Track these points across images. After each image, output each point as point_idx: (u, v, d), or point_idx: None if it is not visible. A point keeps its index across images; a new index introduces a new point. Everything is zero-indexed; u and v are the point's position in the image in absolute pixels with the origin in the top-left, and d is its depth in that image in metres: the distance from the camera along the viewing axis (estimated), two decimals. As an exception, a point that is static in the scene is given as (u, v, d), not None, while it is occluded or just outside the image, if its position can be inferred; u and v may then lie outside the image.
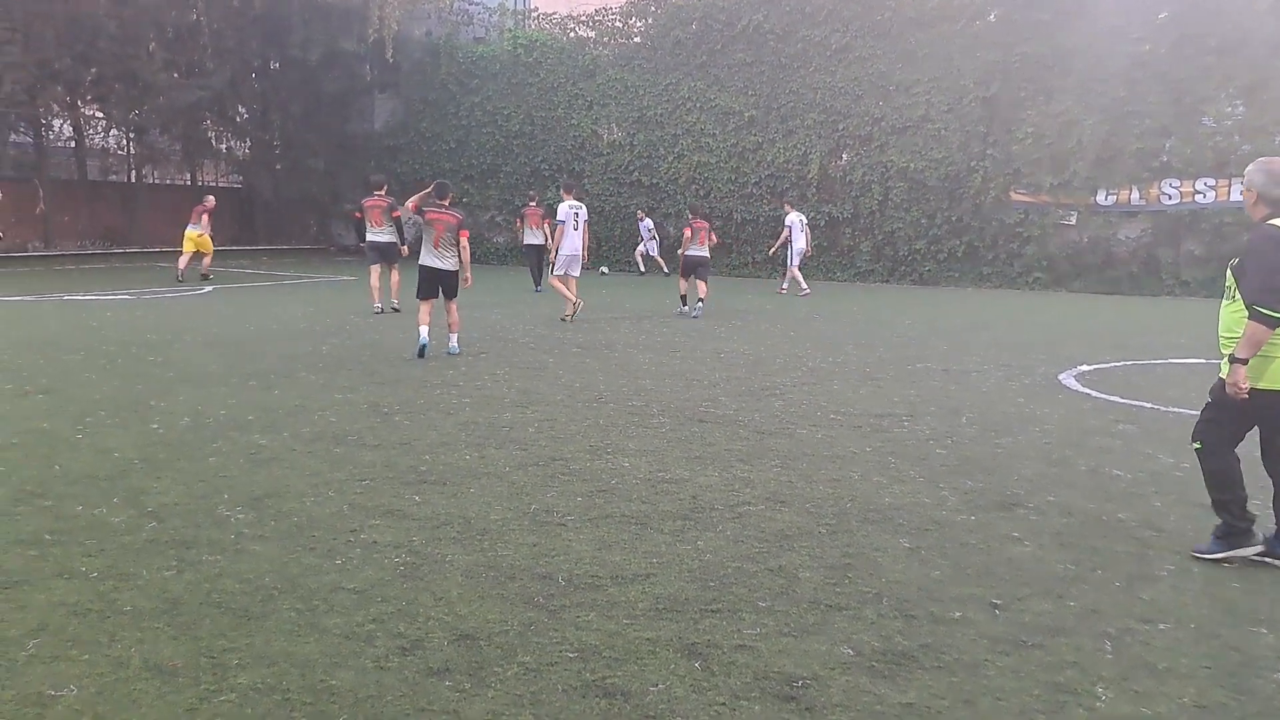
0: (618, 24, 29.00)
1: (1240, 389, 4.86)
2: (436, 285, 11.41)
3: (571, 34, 29.62)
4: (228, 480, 6.21)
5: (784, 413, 8.67)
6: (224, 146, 32.78)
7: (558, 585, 4.60)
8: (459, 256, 11.33)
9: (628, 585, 4.61)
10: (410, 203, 12.00)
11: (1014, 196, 24.03)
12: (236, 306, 16.45)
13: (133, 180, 30.55)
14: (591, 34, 29.35)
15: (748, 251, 27.04)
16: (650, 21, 28.51)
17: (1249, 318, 4.82)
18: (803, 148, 26.16)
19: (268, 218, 32.42)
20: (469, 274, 11.51)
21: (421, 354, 11.14)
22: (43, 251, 26.45)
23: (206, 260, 21.43)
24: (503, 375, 10.20)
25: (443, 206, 11.46)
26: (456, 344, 11.59)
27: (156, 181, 31.63)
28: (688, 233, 16.59)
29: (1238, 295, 4.98)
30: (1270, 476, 5.16)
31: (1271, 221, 4.93)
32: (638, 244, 27.33)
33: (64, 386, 9.14)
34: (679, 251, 17.32)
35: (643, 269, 27.15)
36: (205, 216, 20.88)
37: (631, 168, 28.44)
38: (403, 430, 7.68)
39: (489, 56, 30.26)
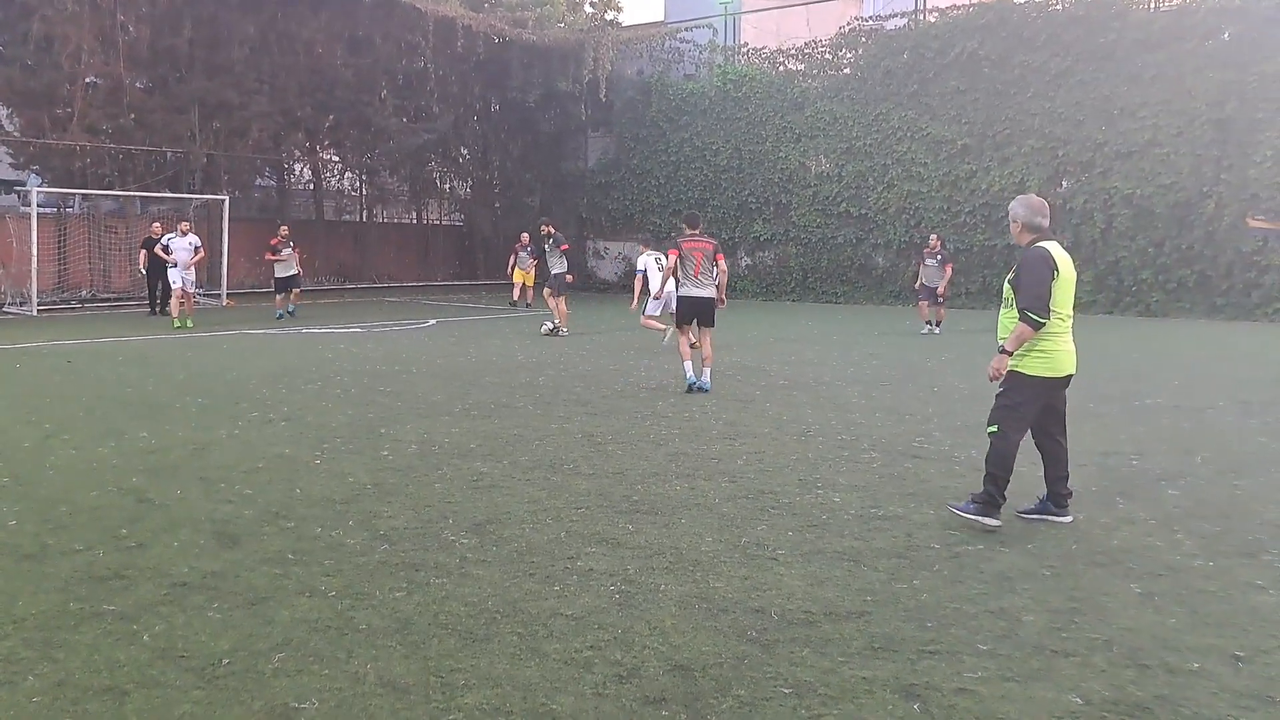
0: (827, 56, 28.88)
1: (999, 372, 6.07)
2: (694, 314, 11.43)
3: (781, 68, 29.72)
4: (452, 505, 6.51)
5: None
6: (447, 186, 34.63)
7: (771, 620, 4.58)
8: (717, 281, 11.39)
9: (842, 622, 4.55)
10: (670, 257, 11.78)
11: (1251, 223, 22.32)
12: (458, 339, 17.25)
13: (364, 219, 32.65)
14: (801, 66, 29.35)
15: (961, 282, 26.22)
16: (860, 52, 28.25)
17: (1020, 320, 5.95)
18: (1019, 175, 25.22)
19: (487, 254, 33.93)
20: (724, 296, 11.62)
21: (691, 390, 11.22)
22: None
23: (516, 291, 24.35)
24: (710, 408, 10.28)
25: (695, 235, 11.51)
26: (709, 379, 11.42)
27: (385, 220, 33.70)
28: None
29: (1014, 304, 6.05)
30: (1040, 451, 6.34)
31: (1039, 244, 6.05)
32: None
33: (303, 414, 9.83)
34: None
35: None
36: (523, 253, 24.14)
37: (839, 199, 28.18)
38: (615, 460, 7.86)
39: (698, 93, 30.73)
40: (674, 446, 8.37)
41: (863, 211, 27.81)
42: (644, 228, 29.70)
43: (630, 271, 30.56)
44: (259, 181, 30.52)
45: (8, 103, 24.70)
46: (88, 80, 24.85)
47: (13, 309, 22.96)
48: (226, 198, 25.44)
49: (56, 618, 4.60)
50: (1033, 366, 6.02)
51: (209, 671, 4.03)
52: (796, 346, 15.81)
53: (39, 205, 23.30)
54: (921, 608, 4.75)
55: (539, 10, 30.87)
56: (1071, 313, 6.16)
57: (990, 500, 6.01)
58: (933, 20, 27.25)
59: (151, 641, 4.33)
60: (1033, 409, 6.13)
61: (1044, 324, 5.91)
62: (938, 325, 18.68)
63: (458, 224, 35.15)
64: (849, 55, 28.58)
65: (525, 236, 24.85)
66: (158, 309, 21.75)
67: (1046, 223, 6.15)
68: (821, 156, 28.67)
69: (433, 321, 20.74)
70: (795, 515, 6.32)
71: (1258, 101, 22.13)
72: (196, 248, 19.90)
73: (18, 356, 14.66)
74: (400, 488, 6.97)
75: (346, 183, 32.64)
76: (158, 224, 22.74)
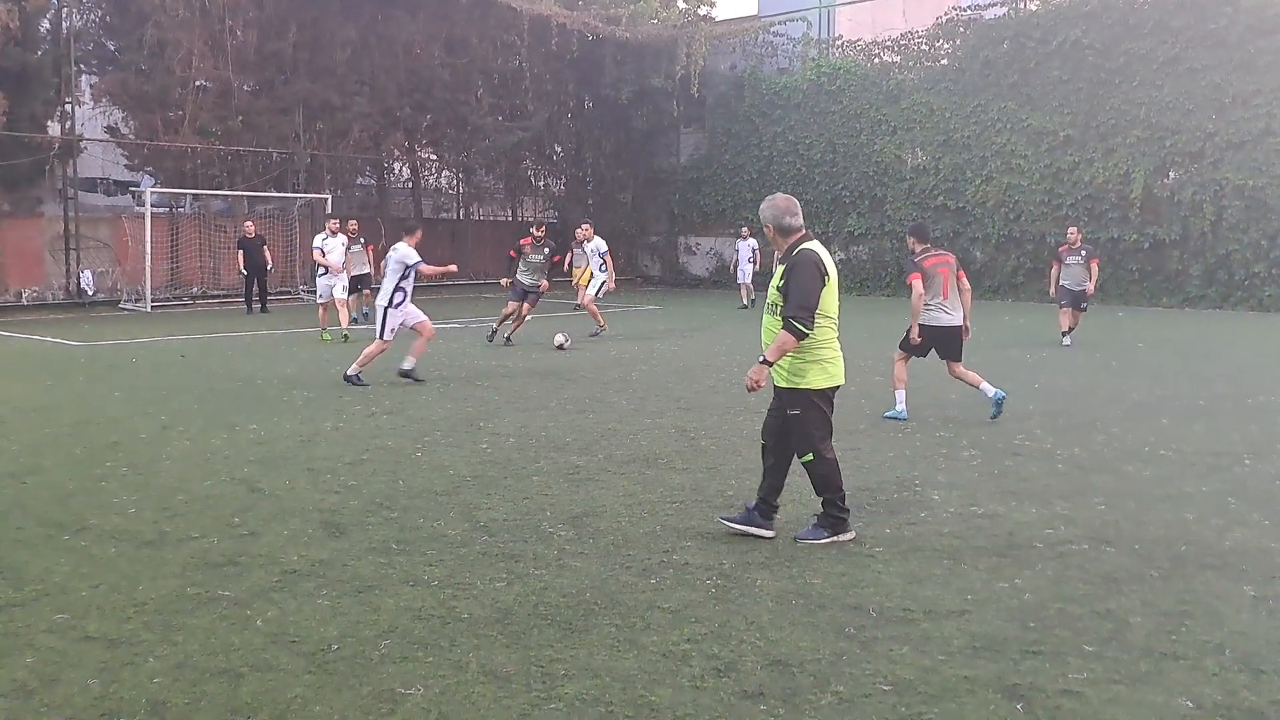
0: (924, 47, 28.39)
1: (757, 383, 5.61)
2: (939, 344, 9.43)
3: (876, 60, 29.32)
4: (550, 498, 6.61)
5: (1107, 448, 8.14)
6: (542, 184, 34.96)
7: (869, 616, 4.56)
8: (963, 303, 9.38)
9: (942, 621, 4.50)
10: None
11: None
12: (553, 335, 17.40)
13: (461, 217, 33.16)
14: (896, 58, 28.91)
15: (1062, 277, 25.60)
16: (958, 43, 27.71)
17: (783, 327, 5.51)
18: (1124, 166, 24.47)
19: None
20: (969, 324, 9.53)
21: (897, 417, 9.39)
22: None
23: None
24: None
25: (932, 250, 9.53)
26: (993, 389, 9.30)
27: (481, 218, 34.18)
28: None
29: (779, 311, 5.60)
30: (765, 458, 5.86)
31: (805, 246, 5.60)
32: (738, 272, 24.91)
33: (404, 408, 10.05)
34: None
35: (744, 302, 24.18)
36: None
37: (936, 192, 27.68)
38: (709, 455, 7.87)
39: (791, 86, 30.49)
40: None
41: (960, 205, 27.28)
42: (736, 223, 29.58)
43: (722, 267, 30.53)
44: (359, 180, 31.19)
45: (123, 106, 25.68)
46: (198, 84, 25.74)
47: (128, 305, 23.91)
48: (329, 196, 26.07)
49: (175, 602, 4.80)
50: (816, 380, 5.64)
51: (319, 656, 4.16)
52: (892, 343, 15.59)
53: (152, 205, 24.24)
54: (1024, 607, 4.67)
55: (632, 7, 30.94)
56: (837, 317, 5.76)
57: (837, 519, 5.69)
58: (1034, 9, 26.53)
59: (264, 626, 4.49)
60: (829, 419, 5.78)
61: (808, 335, 5.50)
62: (1068, 334, 15.70)
63: (552, 221, 35.50)
64: (946, 46, 28.06)
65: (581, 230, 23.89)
66: (254, 307, 22.40)
67: (798, 221, 5.70)
68: (918, 149, 28.21)
69: (528, 317, 20.93)
70: (893, 513, 6.27)
71: (1382, 86, 21.13)
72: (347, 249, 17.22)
73: (134, 351, 15.27)
74: (499, 480, 7.09)
75: (444, 181, 33.17)
76: (250, 223, 23.14)
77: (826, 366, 5.66)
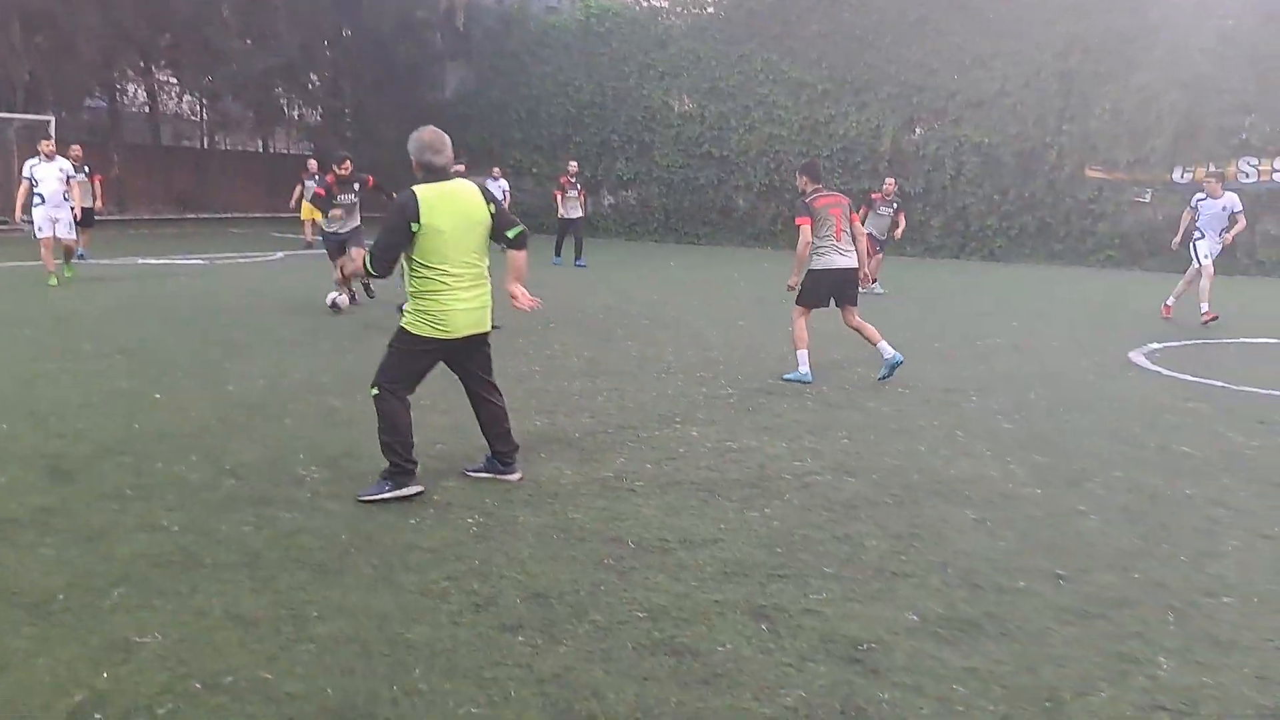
0: (691, -7, 28.84)
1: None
2: (836, 291, 8.88)
3: (644, 3, 29.53)
4: (303, 441, 6.36)
5: (853, 386, 8.64)
6: (296, 114, 33.30)
7: (627, 548, 4.66)
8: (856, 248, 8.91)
9: (696, 549, 4.66)
10: None
11: (1089, 173, 23.52)
12: (307, 273, 16.73)
13: (205, 146, 31.16)
14: (664, 4, 29.23)
15: (816, 225, 26.85)
16: (724, -9, 28.31)
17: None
18: (876, 121, 25.83)
19: (338, 185, 32.87)
20: (868, 270, 9.00)
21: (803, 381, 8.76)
22: (117, 216, 27.10)
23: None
24: (571, 345, 10.28)
25: (823, 190, 8.96)
26: (891, 350, 8.81)
27: (229, 148, 32.22)
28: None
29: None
30: (476, 414, 5.69)
31: (413, 187, 5.24)
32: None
33: (141, 349, 9.40)
34: None
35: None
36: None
37: (703, 140, 28.32)
38: (473, 395, 7.79)
39: (561, 26, 30.29)
40: (534, 384, 8.36)
41: (724, 153, 28.04)
42: (503, 162, 29.26)
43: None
44: (89, 103, 28.70)
45: None
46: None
47: None
48: (52, 118, 23.82)
49: None
50: (416, 325, 5.31)
51: (42, 608, 3.86)
52: (659, 288, 15.93)
53: None
54: (772, 534, 4.90)
55: (394, -67, 29.84)
56: (470, 265, 5.32)
57: (398, 470, 5.29)
58: (795, -38, 27.45)
59: (-21, 580, 4.12)
60: (415, 368, 5.43)
61: (377, 275, 5.30)
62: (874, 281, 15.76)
63: (307, 153, 33.94)
64: (713, -6, 28.61)
65: (312, 164, 22.01)
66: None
67: (442, 160, 5.30)
68: (685, 96, 28.73)
69: (280, 254, 20.03)
70: (654, 449, 6.41)
71: (1100, 55, 23.15)
72: (69, 176, 14.50)
73: None
74: (247, 424, 6.76)
75: (185, 107, 31.03)
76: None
77: (434, 318, 5.26)
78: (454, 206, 5.22)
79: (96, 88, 28.38)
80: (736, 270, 19.66)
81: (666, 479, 5.78)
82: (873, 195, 16.53)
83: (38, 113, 24.34)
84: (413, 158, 5.35)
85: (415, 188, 5.23)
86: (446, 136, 5.39)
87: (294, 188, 21.87)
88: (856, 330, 8.94)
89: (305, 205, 21.08)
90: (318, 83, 33.09)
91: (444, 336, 5.32)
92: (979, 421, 7.45)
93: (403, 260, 5.29)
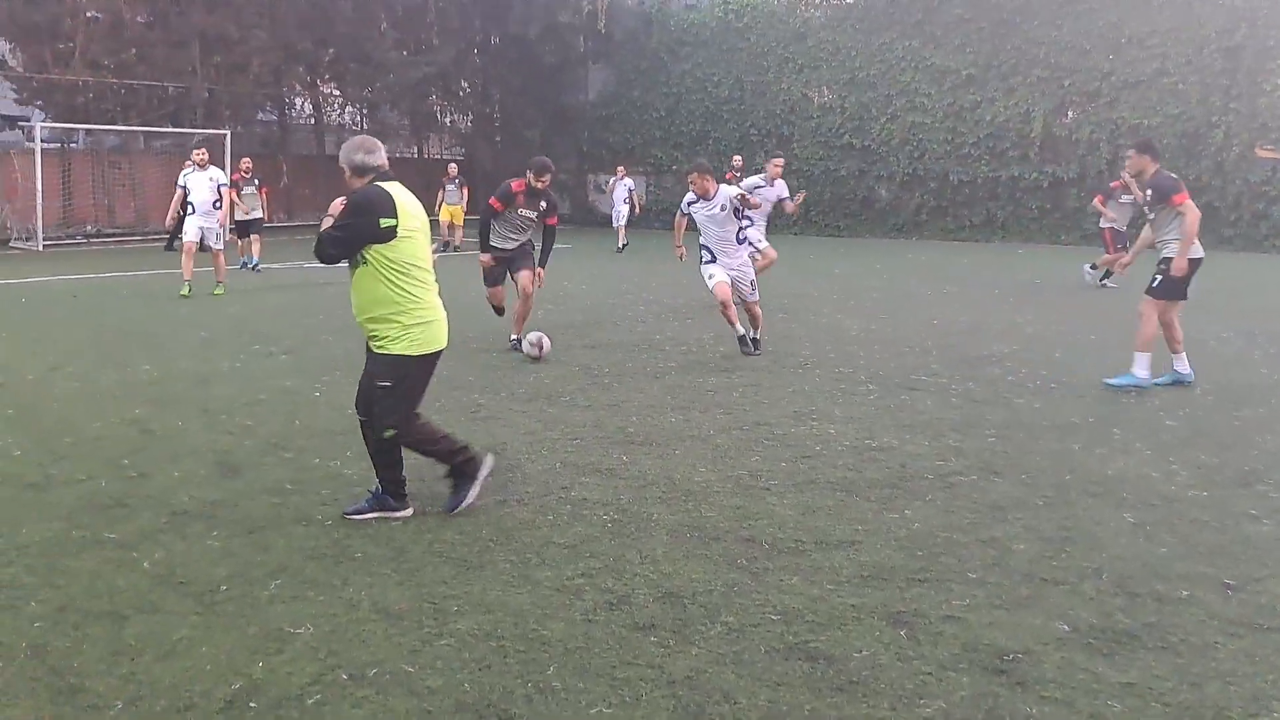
0: (830, -16, 28.41)
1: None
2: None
3: (783, -2, 29.26)
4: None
5: (1000, 381, 8.36)
6: (448, 120, 34.28)
7: (761, 548, 4.63)
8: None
9: (832, 551, 4.59)
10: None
11: (1260, 153, 22.07)
12: (452, 273, 17.16)
13: (366, 154, 32.41)
14: (804, -5, 28.87)
15: (964, 215, 26.11)
16: (864, -20, 27.77)
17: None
18: (1024, 105, 24.90)
19: (488, 188, 33.64)
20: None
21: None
22: (285, 222, 28.43)
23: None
24: (708, 341, 10.27)
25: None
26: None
27: (388, 155, 33.41)
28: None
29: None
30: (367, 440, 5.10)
31: (377, 183, 4.84)
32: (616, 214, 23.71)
33: (304, 348, 9.84)
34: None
35: (618, 246, 23.02)
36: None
37: (842, 130, 27.87)
38: (612, 392, 7.88)
39: (699, 23, 30.27)
40: (671, 379, 8.39)
41: (866, 144, 27.53)
42: (644, 161, 29.43)
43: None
44: (260, 116, 30.24)
45: (10, 37, 24.40)
46: (89, 15, 24.56)
47: (19, 244, 22.96)
48: (228, 132, 25.20)
49: (59, 545, 4.66)
50: (410, 347, 4.89)
51: (207, 597, 4.09)
52: (797, 280, 15.76)
53: (43, 141, 23.19)
54: (912, 537, 4.79)
55: (538, -60, 30.38)
56: (431, 271, 5.09)
57: (461, 464, 5.10)
58: (938, -53, 26.71)
59: (151, 569, 4.38)
60: (419, 392, 5.05)
61: (325, 263, 4.98)
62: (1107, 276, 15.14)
63: (459, 158, 34.91)
64: (852, -17, 28.11)
65: (453, 168, 22.74)
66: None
67: (377, 159, 4.94)
68: (824, 88, 28.31)
69: (436, 254, 20.59)
70: (789, 447, 6.35)
71: (1268, 29, 21.75)
72: (220, 186, 14.32)
73: (23, 291, 14.67)
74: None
75: (348, 117, 32.32)
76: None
77: (414, 333, 4.90)
78: (417, 208, 5.02)
79: (267, 102, 29.87)
80: (880, 262, 19.26)
81: (803, 477, 5.71)
82: (1115, 184, 15.10)
83: (215, 128, 25.79)
84: (343, 165, 4.95)
85: (378, 184, 4.85)
86: (375, 140, 5.10)
87: (436, 192, 22.58)
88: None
89: (446, 208, 22.13)
90: (468, 89, 33.99)
91: (435, 349, 5.01)
92: (1139, 417, 7.11)
93: (383, 278, 4.85)
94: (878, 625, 3.85)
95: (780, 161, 12.97)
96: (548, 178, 9.46)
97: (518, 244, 9.67)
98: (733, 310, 9.37)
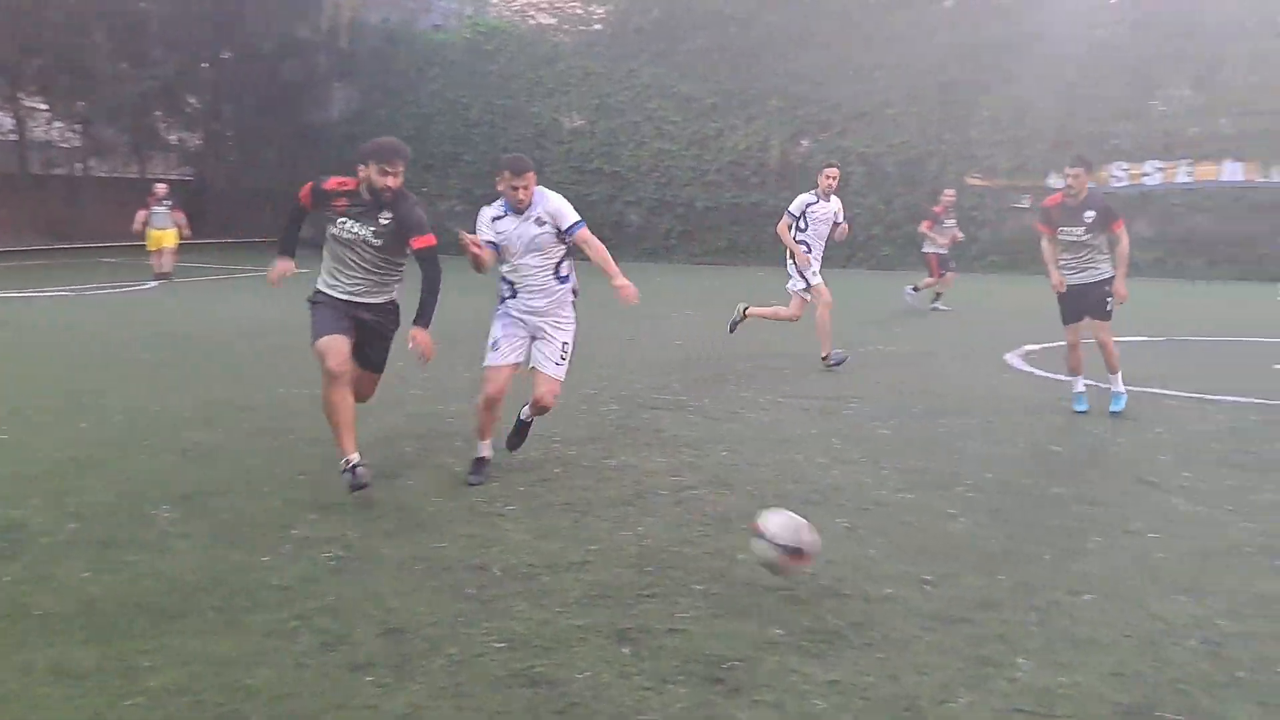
0: (578, 10, 28.88)
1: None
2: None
3: (531, 21, 29.44)
4: (158, 478, 6.05)
5: (735, 398, 8.61)
6: (174, 138, 32.32)
7: (492, 576, 4.51)
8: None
9: (562, 574, 4.53)
10: None
11: (970, 181, 24.12)
12: (186, 302, 16.19)
13: (79, 173, 30.01)
14: (552, 21, 29.21)
15: (710, 239, 27.01)
16: (611, 8, 28.39)
17: None
18: (763, 134, 26.12)
19: (220, 210, 31.86)
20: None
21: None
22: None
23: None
24: (458, 367, 10.06)
25: None
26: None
27: (105, 175, 31.08)
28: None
29: None
30: None
31: None
32: None
33: None
34: None
35: None
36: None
37: (593, 155, 28.28)
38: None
39: (447, 44, 30.01)
40: (411, 408, 8.15)
41: (615, 169, 28.05)
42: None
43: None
44: (-51, 130, 27.48)
45: None
46: None
47: None
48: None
49: None
50: None
51: None
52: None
53: None
54: (643, 553, 4.80)
55: (273, -48, 29.20)
56: None
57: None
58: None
59: None
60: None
61: None
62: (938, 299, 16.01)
63: (187, 178, 32.91)
64: (599, 10, 28.72)
65: (160, 188, 20.60)
66: None
67: None
68: (574, 113, 28.67)
69: (153, 283, 19.29)
70: (527, 471, 6.27)
71: (979, 66, 23.83)
72: None
73: None
74: (99, 461, 6.41)
75: (56, 133, 29.84)
76: None
77: None
78: None
79: (-43, 114, 27.20)
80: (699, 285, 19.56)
81: (540, 500, 5.65)
82: (936, 209, 16.24)
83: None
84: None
85: None
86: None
87: (137, 211, 20.11)
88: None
89: (153, 233, 19.51)
90: (197, 106, 32.16)
91: None
92: (856, 429, 7.49)
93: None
94: (603, 644, 3.81)
95: (834, 172, 10.78)
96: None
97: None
98: (493, 415, 6.17)
